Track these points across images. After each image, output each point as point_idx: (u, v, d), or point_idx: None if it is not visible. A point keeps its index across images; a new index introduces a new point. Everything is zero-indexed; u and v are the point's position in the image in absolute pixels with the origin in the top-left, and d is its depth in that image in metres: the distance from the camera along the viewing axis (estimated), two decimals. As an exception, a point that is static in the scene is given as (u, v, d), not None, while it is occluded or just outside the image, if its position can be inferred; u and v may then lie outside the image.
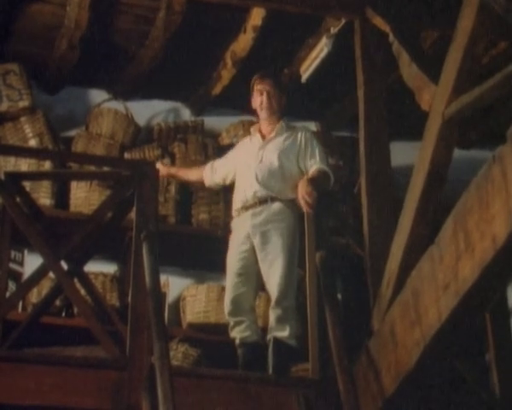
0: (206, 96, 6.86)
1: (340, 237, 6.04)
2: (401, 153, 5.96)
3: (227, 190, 5.81)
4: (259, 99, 5.31)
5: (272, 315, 5.07)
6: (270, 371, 5.00)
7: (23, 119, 6.20)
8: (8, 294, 5.19)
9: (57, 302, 5.72)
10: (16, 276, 5.88)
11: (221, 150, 6.63)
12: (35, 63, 6.46)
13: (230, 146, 6.54)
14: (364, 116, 5.45)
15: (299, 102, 6.81)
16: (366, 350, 4.88)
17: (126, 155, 6.39)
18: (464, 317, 4.21)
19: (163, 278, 5.44)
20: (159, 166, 5.32)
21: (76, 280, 5.17)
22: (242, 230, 5.16)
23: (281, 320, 5.04)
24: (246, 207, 5.17)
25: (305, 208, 4.99)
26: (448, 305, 4.13)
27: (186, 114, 7.03)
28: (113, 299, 6.00)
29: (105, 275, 6.07)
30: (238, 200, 5.25)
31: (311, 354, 5.07)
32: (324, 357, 4.88)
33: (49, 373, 4.52)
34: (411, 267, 4.51)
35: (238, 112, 6.84)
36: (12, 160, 5.99)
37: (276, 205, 5.14)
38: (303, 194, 4.97)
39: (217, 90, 6.73)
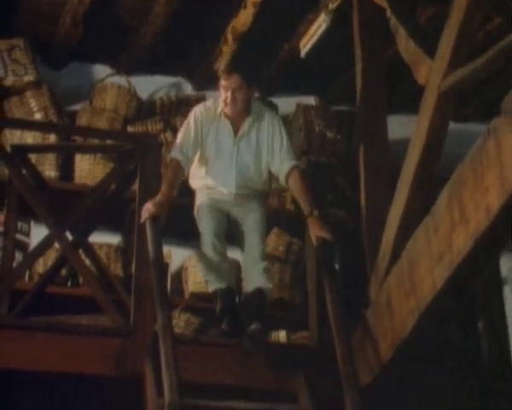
0: (208, 71, 6.85)
1: (337, 210, 6.05)
2: (398, 126, 5.95)
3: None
4: (224, 95, 4.93)
5: (256, 267, 4.87)
6: (252, 320, 4.82)
7: (28, 93, 6.19)
8: (15, 264, 5.22)
9: (63, 272, 5.73)
10: (23, 246, 5.90)
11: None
12: (40, 39, 6.44)
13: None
14: (362, 90, 5.44)
15: (298, 77, 6.82)
16: (363, 319, 4.90)
17: (129, 129, 6.38)
18: (458, 286, 4.23)
19: (166, 248, 5.44)
20: (149, 208, 4.68)
21: (81, 251, 5.20)
22: (219, 201, 5.00)
23: (266, 272, 4.91)
24: (222, 196, 5.01)
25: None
26: (442, 275, 4.15)
27: (188, 89, 7.02)
28: (117, 269, 6.01)
29: (109, 246, 6.08)
30: (212, 187, 5.01)
31: (310, 322, 5.10)
32: (323, 325, 4.89)
33: (55, 341, 4.55)
34: (407, 238, 4.52)
35: (239, 86, 6.83)
36: (18, 133, 5.98)
37: (252, 197, 5.05)
38: (319, 236, 4.80)
39: (218, 65, 6.71)
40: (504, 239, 3.98)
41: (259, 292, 4.86)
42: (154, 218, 4.64)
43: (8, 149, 5.17)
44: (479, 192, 3.77)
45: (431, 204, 4.27)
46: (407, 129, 5.14)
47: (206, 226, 4.92)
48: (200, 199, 5.04)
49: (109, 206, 5.37)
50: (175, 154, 4.94)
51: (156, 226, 4.62)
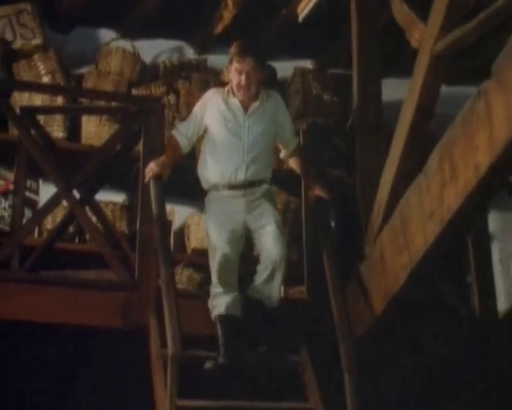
0: (209, 35, 6.81)
1: (333, 169, 6.05)
2: (392, 89, 5.93)
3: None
4: (237, 78, 4.63)
5: (274, 273, 4.54)
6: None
7: (36, 56, 6.17)
8: (24, 221, 5.23)
9: (70, 229, 5.75)
10: (32, 204, 5.90)
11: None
12: (46, 3, 6.40)
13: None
14: (358, 54, 5.41)
15: (296, 41, 6.78)
16: (357, 274, 4.93)
17: (134, 92, 6.37)
18: (448, 242, 4.25)
19: (169, 206, 5.46)
20: (152, 167, 4.62)
21: (87, 208, 5.21)
22: (232, 204, 4.63)
23: (278, 286, 4.60)
24: (233, 187, 4.62)
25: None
26: (434, 231, 4.18)
27: (189, 53, 6.99)
28: (122, 226, 6.01)
29: (114, 204, 6.08)
30: (221, 175, 4.63)
31: (306, 277, 5.11)
32: (319, 280, 4.90)
33: (63, 294, 4.58)
34: (400, 196, 4.54)
35: (239, 50, 6.79)
36: (26, 95, 5.97)
37: (264, 186, 4.70)
38: (316, 195, 4.75)
39: (218, 29, 6.68)
40: (492, 196, 4.00)
41: (265, 311, 4.57)
42: (157, 177, 4.62)
43: (18, 111, 5.17)
44: (469, 151, 3.79)
45: (423, 164, 4.28)
46: (401, 92, 5.12)
47: (216, 250, 4.52)
48: (209, 210, 4.70)
49: (115, 165, 5.37)
50: (174, 131, 4.80)
51: (160, 185, 4.62)
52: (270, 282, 4.55)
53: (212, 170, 4.68)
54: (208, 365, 4.35)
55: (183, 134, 4.76)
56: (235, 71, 4.65)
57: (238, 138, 4.64)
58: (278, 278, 4.56)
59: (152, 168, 4.63)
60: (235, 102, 4.69)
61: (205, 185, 4.76)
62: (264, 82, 4.75)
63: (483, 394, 5.20)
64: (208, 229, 4.63)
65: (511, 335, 5.19)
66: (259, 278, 4.57)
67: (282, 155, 4.93)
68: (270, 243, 4.54)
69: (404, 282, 4.46)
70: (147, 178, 4.65)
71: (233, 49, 4.68)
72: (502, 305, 5.86)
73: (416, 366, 5.04)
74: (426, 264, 4.35)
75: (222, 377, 4.36)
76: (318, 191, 4.76)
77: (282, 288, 4.86)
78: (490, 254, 5.52)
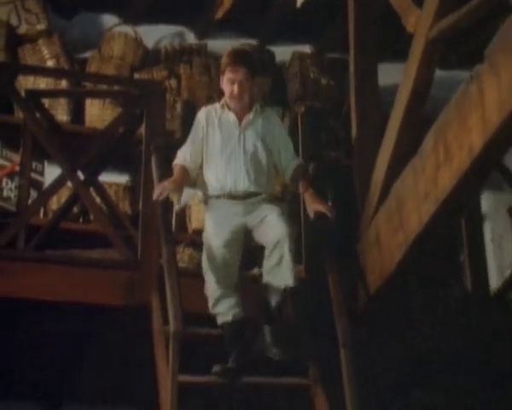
0: (209, 20, 6.81)
1: (331, 151, 6.06)
2: (388, 73, 5.94)
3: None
4: (230, 88, 4.50)
5: (283, 253, 4.33)
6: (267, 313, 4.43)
7: (41, 41, 6.18)
8: (30, 201, 5.25)
9: (75, 209, 5.77)
10: (37, 185, 5.91)
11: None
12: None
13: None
14: (355, 39, 5.41)
15: (294, 26, 6.78)
16: (354, 254, 4.95)
17: (136, 76, 6.38)
18: (442, 222, 4.27)
19: (171, 187, 5.45)
20: (165, 185, 4.43)
21: (91, 189, 5.23)
22: (231, 207, 4.49)
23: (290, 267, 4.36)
24: (233, 197, 4.49)
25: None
26: (428, 211, 4.20)
27: (190, 38, 6.99)
28: (125, 206, 6.04)
29: (118, 185, 6.10)
30: (221, 188, 4.50)
31: (304, 256, 5.13)
32: (316, 259, 4.92)
33: (68, 273, 4.59)
34: (396, 177, 4.56)
35: (238, 35, 6.81)
36: (31, 79, 5.98)
37: (264, 196, 4.54)
38: (317, 210, 4.55)
39: (219, 14, 6.68)
40: (485, 177, 4.03)
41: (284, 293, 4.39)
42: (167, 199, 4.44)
43: (23, 94, 5.18)
44: (462, 133, 3.81)
45: (419, 146, 4.30)
46: (397, 76, 5.13)
47: (213, 251, 4.44)
48: (208, 217, 4.56)
49: (117, 148, 5.39)
50: (178, 160, 4.58)
51: (161, 165, 4.62)
52: (279, 265, 4.33)
53: (210, 184, 4.55)
54: (216, 369, 4.21)
55: (185, 160, 4.57)
56: (227, 80, 4.52)
57: (234, 151, 4.52)
58: (287, 258, 4.31)
59: (164, 186, 4.42)
60: (230, 115, 4.57)
61: (202, 199, 4.65)
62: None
63: (475, 369, 5.23)
64: (205, 231, 4.53)
65: (502, 311, 5.24)
66: (269, 262, 4.37)
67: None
68: (272, 224, 4.38)
69: (399, 261, 4.49)
70: (157, 197, 4.40)
71: (225, 58, 4.55)
72: (493, 282, 5.90)
73: (410, 342, 5.07)
74: (420, 243, 4.38)
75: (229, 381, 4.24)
76: (319, 206, 4.55)
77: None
78: (482, 234, 5.56)
